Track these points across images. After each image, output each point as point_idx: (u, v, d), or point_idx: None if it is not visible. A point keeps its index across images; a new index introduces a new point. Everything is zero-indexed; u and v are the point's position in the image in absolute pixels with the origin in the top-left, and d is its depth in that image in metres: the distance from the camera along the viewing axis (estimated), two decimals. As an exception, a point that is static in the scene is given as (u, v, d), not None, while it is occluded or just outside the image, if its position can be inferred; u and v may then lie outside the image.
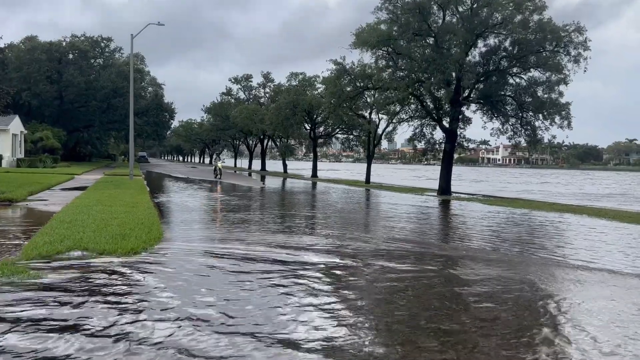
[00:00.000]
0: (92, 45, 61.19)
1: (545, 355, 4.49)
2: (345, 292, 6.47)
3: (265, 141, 63.55)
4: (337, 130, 47.24)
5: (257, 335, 4.67)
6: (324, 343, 4.56)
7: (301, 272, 7.33)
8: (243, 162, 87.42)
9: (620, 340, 4.95)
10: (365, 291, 6.54)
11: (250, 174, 54.19)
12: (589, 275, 7.97)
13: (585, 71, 23.76)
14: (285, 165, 57.26)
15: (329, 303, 5.87)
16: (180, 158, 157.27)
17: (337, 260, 8.44)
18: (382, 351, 4.43)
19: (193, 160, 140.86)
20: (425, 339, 4.79)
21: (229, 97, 67.59)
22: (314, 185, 35.05)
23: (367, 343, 4.61)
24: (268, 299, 5.90)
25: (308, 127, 48.54)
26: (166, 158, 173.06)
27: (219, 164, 37.80)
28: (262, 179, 43.56)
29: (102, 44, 62.66)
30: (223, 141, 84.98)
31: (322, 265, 7.95)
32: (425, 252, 9.69)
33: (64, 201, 15.07)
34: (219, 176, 35.52)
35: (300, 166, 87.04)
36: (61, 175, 28.70)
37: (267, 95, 60.87)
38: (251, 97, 64.18)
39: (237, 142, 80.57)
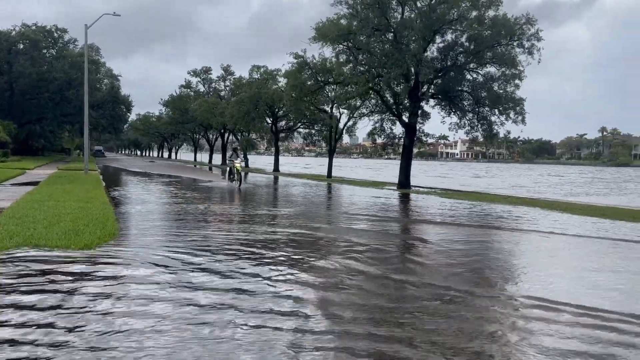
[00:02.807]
0: (44, 36, 58.82)
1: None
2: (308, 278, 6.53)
3: (226, 135, 62.86)
4: (299, 124, 47.18)
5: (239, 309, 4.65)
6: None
7: (257, 262, 7.34)
8: (203, 157, 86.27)
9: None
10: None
11: (210, 169, 53.51)
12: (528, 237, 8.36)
13: (539, 62, 24.51)
14: (246, 160, 56.81)
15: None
16: (138, 152, 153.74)
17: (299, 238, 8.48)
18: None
19: (151, 155, 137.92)
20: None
21: (188, 90, 66.47)
22: (276, 179, 34.94)
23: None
24: (233, 283, 5.88)
25: (270, 121, 48.28)
26: (123, 152, 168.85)
27: (237, 164, 24.60)
28: (223, 173, 43.08)
29: (56, 35, 60.35)
30: (182, 135, 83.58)
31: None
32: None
33: (14, 197, 14.50)
34: (237, 182, 24.07)
35: (262, 160, 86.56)
36: (11, 169, 27.57)
37: (228, 88, 60.19)
38: (211, 90, 63.31)
39: (197, 136, 79.39)
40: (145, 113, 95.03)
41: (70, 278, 6.23)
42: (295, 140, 62.73)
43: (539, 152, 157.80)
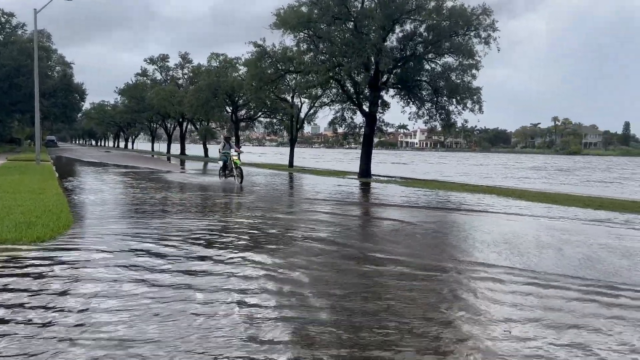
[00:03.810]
0: (-11, 20, 55.93)
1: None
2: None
3: (185, 124, 61.73)
4: (260, 113, 46.79)
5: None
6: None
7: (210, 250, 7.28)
8: (161, 146, 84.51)
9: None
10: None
11: (169, 159, 52.50)
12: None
13: (499, 50, 25.00)
14: (206, 149, 56.01)
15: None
16: (93, 142, 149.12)
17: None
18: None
19: (107, 144, 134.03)
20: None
21: (145, 78, 64.79)
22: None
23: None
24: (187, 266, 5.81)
25: (230, 110, 47.68)
26: (77, 142, 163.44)
27: (234, 156, 20.66)
28: (182, 163, 42.36)
29: (2, 19, 57.48)
30: (139, 124, 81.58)
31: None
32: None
33: (-41, 188, 13.83)
34: (237, 178, 20.12)
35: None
36: (-44, 160, 26.26)
37: (186, 76, 59.02)
38: (168, 78, 61.91)
39: (154, 125, 77.65)
40: (100, 102, 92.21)
41: (20, 272, 6.01)
42: (256, 130, 62.27)
43: (495, 141, 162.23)
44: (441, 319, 4.90)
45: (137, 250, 7.46)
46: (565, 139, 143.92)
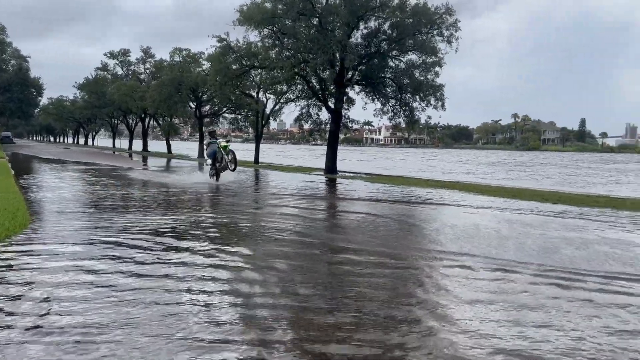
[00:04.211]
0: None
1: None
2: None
3: (147, 120, 60.49)
4: (225, 109, 46.29)
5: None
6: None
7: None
8: (123, 143, 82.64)
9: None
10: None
11: (130, 155, 51.39)
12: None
13: (456, 51, 25.46)
14: (169, 146, 55.09)
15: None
16: (52, 138, 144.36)
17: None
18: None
19: (66, 141, 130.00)
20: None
21: (105, 72, 63.12)
22: (200, 166, 34.17)
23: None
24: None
25: (193, 106, 46.99)
26: (35, 138, 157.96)
27: (223, 141, 19.21)
28: (144, 160, 41.55)
29: (-48, 10, 54.98)
30: (100, 120, 79.50)
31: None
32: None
33: None
34: (230, 164, 18.55)
35: (187, 146, 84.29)
36: None
37: (148, 71, 57.80)
38: (130, 73, 60.49)
39: (116, 121, 75.81)
40: (59, 97, 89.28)
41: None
42: (220, 126, 61.52)
43: (458, 137, 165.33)
44: (403, 303, 5.01)
45: (96, 249, 7.28)
46: (525, 135, 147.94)
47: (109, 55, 60.57)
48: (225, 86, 31.60)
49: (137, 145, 67.63)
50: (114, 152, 58.16)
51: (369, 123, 40.52)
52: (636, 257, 7.92)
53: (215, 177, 19.12)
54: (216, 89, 33.71)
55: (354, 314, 4.85)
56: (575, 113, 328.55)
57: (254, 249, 7.63)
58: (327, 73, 26.72)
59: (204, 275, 6.02)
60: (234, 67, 30.18)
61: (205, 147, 19.71)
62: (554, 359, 4.01)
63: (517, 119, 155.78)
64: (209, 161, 19.44)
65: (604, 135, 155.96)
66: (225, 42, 30.28)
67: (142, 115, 58.62)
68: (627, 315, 5.13)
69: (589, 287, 6.11)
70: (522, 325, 4.71)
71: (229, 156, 18.49)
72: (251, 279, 5.98)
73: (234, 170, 19.00)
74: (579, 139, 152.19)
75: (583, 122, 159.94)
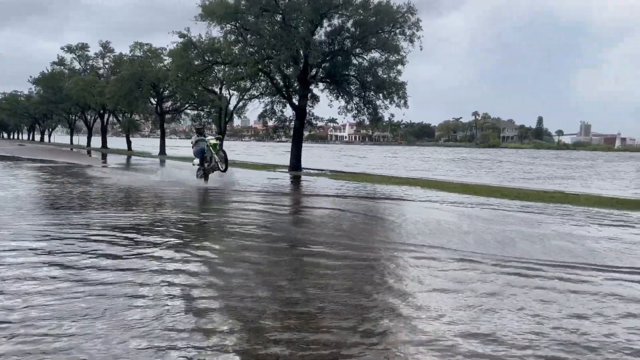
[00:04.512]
0: None
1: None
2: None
3: (106, 116, 58.92)
4: (187, 105, 45.55)
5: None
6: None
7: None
8: (81, 139, 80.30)
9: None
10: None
11: (89, 152, 49.97)
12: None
13: (421, 49, 25.77)
14: (129, 143, 53.83)
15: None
16: (5, 135, 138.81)
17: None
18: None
19: (21, 137, 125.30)
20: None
21: (62, 67, 61.09)
22: (162, 163, 33.54)
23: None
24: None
25: (154, 102, 46.04)
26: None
27: (212, 139, 17.46)
28: (103, 157, 40.48)
29: None
30: (57, 116, 76.98)
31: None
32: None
33: None
34: (221, 163, 16.93)
35: (148, 143, 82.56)
36: None
37: (107, 66, 56.26)
38: (88, 67, 58.74)
39: (74, 117, 73.55)
40: (13, 92, 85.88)
41: None
42: (183, 122, 60.54)
43: (420, 135, 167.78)
44: (367, 289, 5.08)
45: (47, 246, 7.04)
46: (485, 132, 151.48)
47: (66, 49, 58.61)
48: (188, 82, 31.11)
49: (96, 142, 65.85)
50: (71, 149, 56.44)
51: (333, 120, 40.60)
52: (587, 249, 8.28)
53: (203, 179, 17.31)
54: (178, 85, 33.11)
55: (324, 300, 4.92)
56: (533, 111, 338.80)
57: (223, 243, 7.56)
58: (291, 70, 26.64)
59: (174, 269, 5.91)
60: (196, 62, 29.71)
61: (191, 145, 17.52)
62: (510, 337, 4.25)
63: (477, 117, 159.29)
64: (196, 161, 17.45)
65: (560, 133, 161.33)
66: (186, 38, 29.78)
67: (101, 111, 57.06)
68: (577, 298, 5.60)
69: (545, 275, 6.53)
70: (479, 310, 5.04)
71: (219, 155, 16.85)
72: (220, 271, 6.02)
73: (224, 170, 17.08)
74: (536, 137, 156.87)
75: (540, 120, 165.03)
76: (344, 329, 4.42)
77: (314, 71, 27.28)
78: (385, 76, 26.43)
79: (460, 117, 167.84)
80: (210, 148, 16.84)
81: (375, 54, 26.81)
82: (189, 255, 6.99)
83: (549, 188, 22.11)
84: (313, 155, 57.99)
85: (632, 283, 6.37)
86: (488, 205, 14.01)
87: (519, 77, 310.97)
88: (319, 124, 33.55)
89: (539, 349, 4.16)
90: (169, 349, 3.87)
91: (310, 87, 27.69)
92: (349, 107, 28.42)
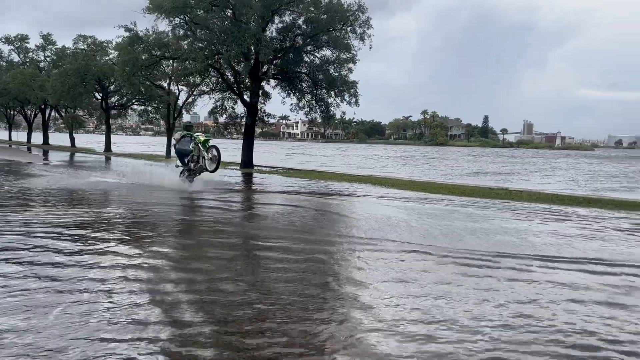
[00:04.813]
0: None
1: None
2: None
3: (48, 111, 56.44)
4: (134, 100, 44.23)
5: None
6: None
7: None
8: (21, 136, 76.55)
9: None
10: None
11: (29, 149, 47.72)
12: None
13: (370, 48, 26.11)
14: (72, 139, 51.77)
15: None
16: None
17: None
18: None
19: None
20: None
21: (-1, 59, 57.98)
22: (107, 159, 32.46)
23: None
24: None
25: (99, 97, 44.46)
26: None
27: (201, 135, 15.25)
28: (45, 154, 38.75)
29: None
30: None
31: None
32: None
33: None
34: (209, 163, 14.80)
35: (93, 139, 79.77)
36: None
37: (49, 59, 53.86)
38: (28, 60, 56.02)
39: (12, 112, 69.99)
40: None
41: None
42: (129, 118, 58.81)
43: (371, 132, 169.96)
44: (320, 281, 5.10)
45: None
46: (433, 131, 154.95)
47: (3, 40, 55.68)
48: (134, 77, 30.26)
49: (37, 138, 62.95)
50: (10, 146, 53.76)
51: (285, 117, 40.44)
52: (527, 242, 8.73)
53: (189, 181, 15.30)
54: (124, 80, 32.11)
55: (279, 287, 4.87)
56: (479, 110, 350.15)
57: (180, 239, 7.45)
58: (241, 66, 26.34)
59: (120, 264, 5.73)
60: (143, 57, 28.92)
61: (174, 142, 15.58)
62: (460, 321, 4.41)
63: (426, 116, 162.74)
64: (179, 162, 15.41)
65: (504, 131, 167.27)
66: (132, 32, 28.92)
67: (42, 106, 54.59)
68: (516, 286, 6.07)
69: (490, 265, 7.01)
70: (425, 297, 5.49)
71: (210, 154, 14.65)
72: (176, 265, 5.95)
73: (214, 171, 14.90)
74: (482, 135, 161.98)
75: (486, 119, 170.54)
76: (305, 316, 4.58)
77: (265, 67, 27.11)
78: (336, 74, 26.58)
79: (410, 116, 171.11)
80: (199, 146, 14.70)
81: (327, 52, 26.95)
82: (142, 252, 6.81)
83: (494, 185, 22.90)
84: (265, 152, 57.68)
85: (570, 271, 6.85)
86: (436, 201, 14.36)
87: (466, 76, 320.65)
88: (271, 121, 33.42)
89: (486, 333, 4.34)
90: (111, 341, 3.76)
91: (261, 83, 27.51)
92: (300, 104, 28.45)
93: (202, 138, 14.82)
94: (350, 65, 26.42)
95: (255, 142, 29.47)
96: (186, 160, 15.16)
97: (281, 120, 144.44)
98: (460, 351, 4.10)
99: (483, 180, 27.49)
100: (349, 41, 25.84)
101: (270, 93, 29.53)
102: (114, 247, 7.16)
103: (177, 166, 15.67)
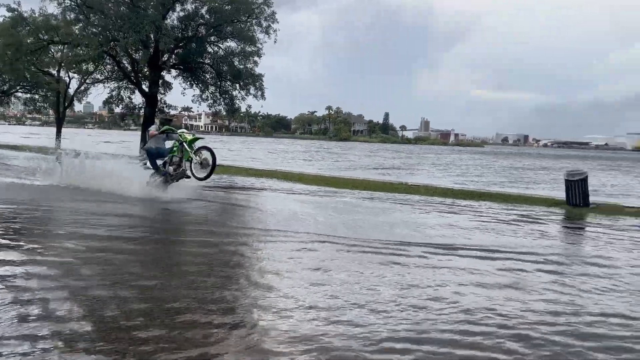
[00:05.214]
0: None
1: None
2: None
3: None
4: (18, 88, 40.45)
5: None
6: None
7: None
8: None
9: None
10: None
11: None
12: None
13: (275, 42, 25.89)
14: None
15: None
16: None
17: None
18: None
19: None
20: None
21: None
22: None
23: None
24: None
25: (-24, 83, 40.13)
26: None
27: (186, 133, 12.05)
28: None
29: None
30: None
31: None
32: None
33: None
34: (196, 168, 11.50)
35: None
36: None
37: None
38: None
39: None
40: None
41: None
42: (13, 107, 53.82)
43: (277, 127, 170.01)
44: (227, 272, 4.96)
45: None
46: (337, 126, 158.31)
47: None
48: (18, 62, 27.64)
49: None
50: None
51: (188, 109, 39.24)
52: (426, 232, 9.28)
53: (162, 187, 11.99)
54: (6, 65, 29.20)
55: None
56: (380, 107, 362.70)
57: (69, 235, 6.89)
58: (140, 54, 25.05)
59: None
60: (28, 40, 26.53)
61: (147, 140, 12.57)
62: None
63: (330, 111, 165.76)
64: (147, 163, 12.36)
65: (403, 128, 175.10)
66: (16, 12, 26.41)
67: None
68: (410, 270, 6.61)
69: (386, 252, 7.54)
70: (333, 283, 5.83)
71: (198, 156, 11.42)
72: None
73: (204, 179, 11.49)
74: (383, 131, 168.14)
75: (387, 116, 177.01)
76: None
77: (165, 57, 25.98)
78: (242, 67, 26.12)
79: (315, 111, 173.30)
80: (185, 146, 11.62)
81: (232, 44, 26.38)
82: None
83: (394, 180, 23.84)
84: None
85: (462, 257, 7.52)
86: (340, 195, 14.63)
87: (368, 74, 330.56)
88: (172, 112, 32.17)
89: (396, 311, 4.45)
90: None
91: (161, 73, 26.34)
92: (204, 96, 27.63)
93: (188, 137, 11.77)
94: (256, 58, 26.10)
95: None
96: (161, 163, 12.07)
97: (183, 112, 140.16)
98: (371, 328, 4.43)
99: (384, 175, 28.52)
100: (254, 34, 25.48)
101: (172, 83, 28.41)
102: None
103: (146, 166, 12.42)
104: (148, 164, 12.24)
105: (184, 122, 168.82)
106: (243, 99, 27.30)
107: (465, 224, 10.64)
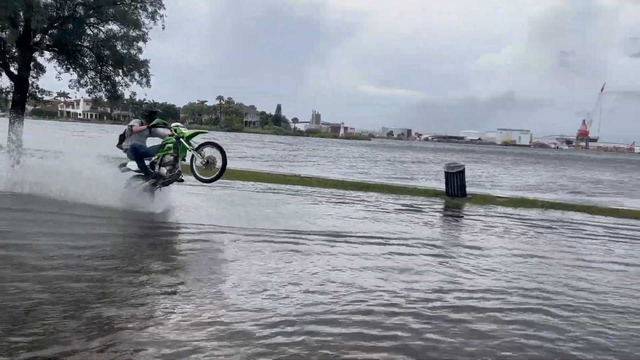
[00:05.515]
0: None
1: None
2: None
3: None
4: None
5: None
6: None
7: None
8: None
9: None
10: None
11: None
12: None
13: (163, 28, 24.65)
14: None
15: None
16: None
17: None
18: None
19: None
20: None
21: None
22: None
23: None
24: None
25: None
26: None
27: (182, 127, 10.12)
28: None
29: None
30: None
31: None
32: None
33: None
34: (198, 168, 9.59)
35: None
36: None
37: None
38: None
39: None
40: None
41: None
42: None
43: (165, 115, 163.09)
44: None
45: None
46: (229, 117, 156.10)
47: None
48: None
49: None
50: None
51: (64, 95, 36.30)
52: (315, 222, 9.70)
53: (149, 193, 9.95)
54: None
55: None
56: (272, 99, 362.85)
57: None
58: (7, 33, 22.61)
59: None
60: None
61: (126, 134, 10.22)
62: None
63: (222, 101, 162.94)
64: (133, 164, 9.92)
65: (295, 120, 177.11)
66: None
67: None
68: (311, 258, 7.00)
69: (289, 242, 7.89)
70: (235, 270, 6.24)
71: (200, 155, 9.52)
72: None
73: (211, 181, 9.61)
74: (275, 123, 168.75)
75: (279, 108, 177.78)
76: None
77: (38, 37, 23.68)
78: (125, 51, 24.57)
79: (206, 101, 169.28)
80: (183, 143, 9.62)
81: (114, 27, 24.69)
82: None
83: (287, 172, 24.00)
84: (42, 133, 51.07)
85: (352, 244, 8.11)
86: (234, 187, 14.43)
87: (260, 65, 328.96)
88: (46, 97, 29.52)
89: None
90: None
91: (33, 55, 23.98)
92: (82, 81, 25.55)
93: (185, 132, 9.77)
94: (140, 43, 24.67)
95: (26, 121, 25.67)
96: (149, 163, 10.00)
97: (59, 98, 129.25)
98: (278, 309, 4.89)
99: (276, 167, 28.61)
100: (138, 17, 24.08)
101: (45, 66, 25.92)
102: None
103: (123, 168, 10.07)
104: (129, 165, 9.98)
105: (59, 108, 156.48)
106: (127, 85, 25.67)
107: (356, 214, 11.03)
